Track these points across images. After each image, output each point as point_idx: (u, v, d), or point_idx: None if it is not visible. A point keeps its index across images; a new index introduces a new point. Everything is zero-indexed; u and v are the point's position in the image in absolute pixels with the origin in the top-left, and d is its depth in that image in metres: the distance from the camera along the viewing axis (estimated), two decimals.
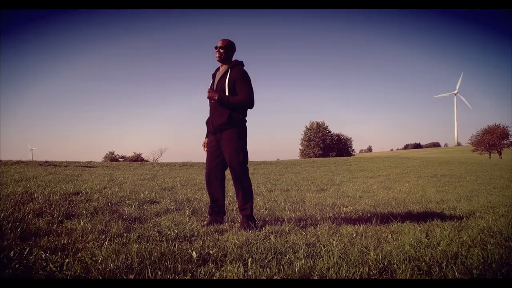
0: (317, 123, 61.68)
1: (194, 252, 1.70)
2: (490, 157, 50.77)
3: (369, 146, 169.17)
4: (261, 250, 1.87)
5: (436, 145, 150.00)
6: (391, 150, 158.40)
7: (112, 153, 59.54)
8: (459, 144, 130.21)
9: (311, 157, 60.88)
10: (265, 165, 16.41)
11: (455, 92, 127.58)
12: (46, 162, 12.63)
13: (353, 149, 66.81)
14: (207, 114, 2.68)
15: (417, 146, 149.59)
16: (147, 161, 58.74)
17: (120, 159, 57.35)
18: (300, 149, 62.48)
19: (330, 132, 62.00)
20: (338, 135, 63.94)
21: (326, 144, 60.00)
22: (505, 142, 51.19)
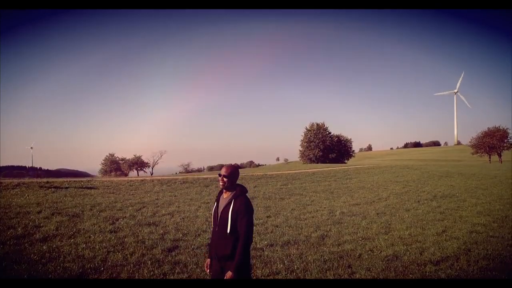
0: (317, 124, 61.69)
1: None
2: (490, 161, 50.90)
3: (369, 144, 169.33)
4: None
5: (436, 144, 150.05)
6: (391, 148, 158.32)
7: (112, 155, 59.94)
8: (459, 143, 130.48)
9: (311, 158, 60.97)
10: (265, 179, 16.44)
11: (455, 91, 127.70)
12: (47, 182, 12.66)
13: (353, 150, 66.99)
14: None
15: (417, 145, 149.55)
16: (147, 163, 59.03)
17: (120, 161, 57.72)
18: (300, 151, 62.56)
19: (330, 133, 62.06)
20: (338, 136, 64.04)
21: (326, 146, 60.07)
22: (505, 144, 51.31)
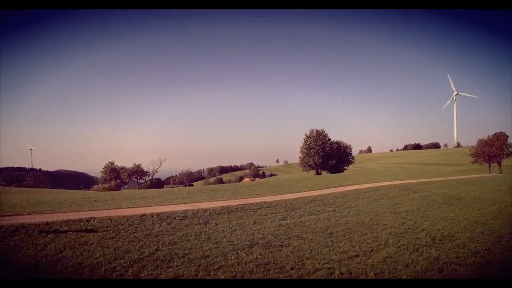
0: (317, 131, 61.87)
1: None
2: (490, 171, 50.99)
3: (369, 146, 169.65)
4: None
5: (435, 145, 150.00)
6: (391, 150, 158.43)
7: (112, 163, 59.91)
8: (458, 145, 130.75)
9: (310, 165, 61.02)
10: (264, 210, 16.46)
11: (455, 93, 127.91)
12: (47, 223, 12.67)
13: (353, 157, 67.24)
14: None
15: (417, 146, 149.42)
16: (147, 171, 58.97)
17: (120, 170, 57.76)
18: (300, 157, 62.70)
19: (329, 139, 62.25)
20: (337, 143, 64.26)
21: (325, 152, 60.25)
22: (505, 152, 51.46)
